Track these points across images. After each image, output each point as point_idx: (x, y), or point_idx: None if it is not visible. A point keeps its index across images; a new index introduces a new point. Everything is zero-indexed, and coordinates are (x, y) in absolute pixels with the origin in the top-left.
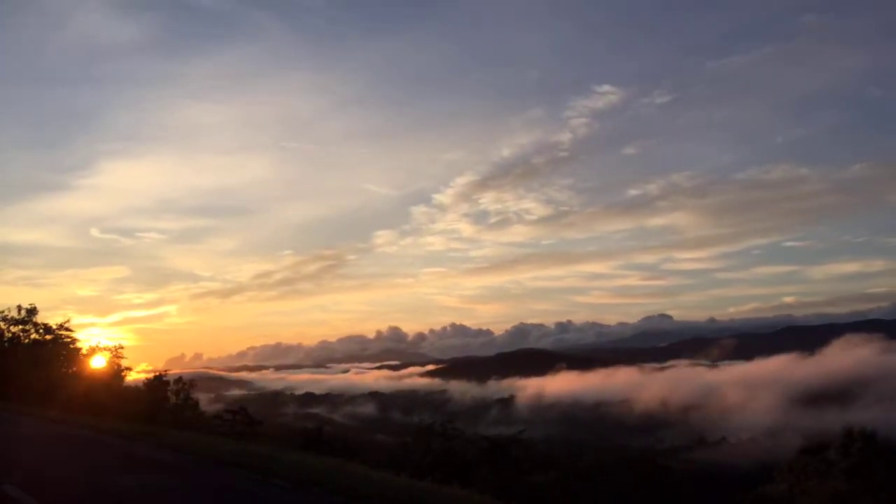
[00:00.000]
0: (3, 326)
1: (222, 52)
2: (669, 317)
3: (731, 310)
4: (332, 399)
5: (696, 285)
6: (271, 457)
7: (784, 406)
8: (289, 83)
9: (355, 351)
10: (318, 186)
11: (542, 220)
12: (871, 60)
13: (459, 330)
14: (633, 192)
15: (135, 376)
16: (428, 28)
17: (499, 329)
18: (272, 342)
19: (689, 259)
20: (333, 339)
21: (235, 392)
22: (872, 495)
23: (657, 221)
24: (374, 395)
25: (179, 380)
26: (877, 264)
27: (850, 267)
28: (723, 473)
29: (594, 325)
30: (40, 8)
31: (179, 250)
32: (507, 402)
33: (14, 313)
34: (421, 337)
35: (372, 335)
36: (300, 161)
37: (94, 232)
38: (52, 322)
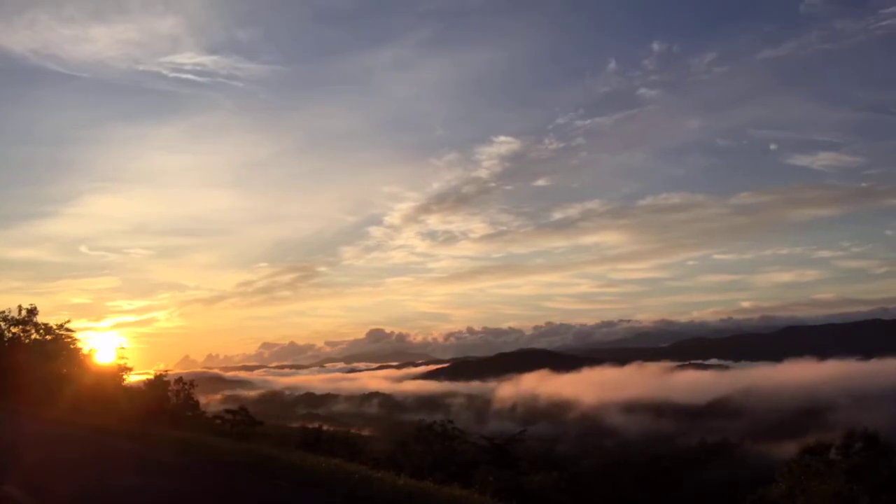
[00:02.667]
0: (4, 326)
1: (181, 120)
2: (671, 318)
3: (695, 313)
4: (332, 399)
5: (652, 291)
6: (271, 457)
7: (785, 405)
8: (240, 141)
9: (357, 351)
10: (281, 213)
11: (486, 238)
12: (705, 122)
13: (487, 330)
14: (557, 215)
15: (146, 376)
16: (348, 99)
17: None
18: (275, 343)
19: (634, 269)
20: (334, 340)
21: (236, 392)
22: (874, 496)
23: (589, 239)
24: (375, 395)
25: (179, 380)
26: (810, 273)
27: (787, 276)
28: (723, 474)
29: (608, 324)
30: (41, 90)
31: (163, 263)
32: (507, 402)
33: (14, 313)
34: (443, 338)
35: (373, 336)
36: (261, 195)
37: (83, 249)
38: (53, 322)
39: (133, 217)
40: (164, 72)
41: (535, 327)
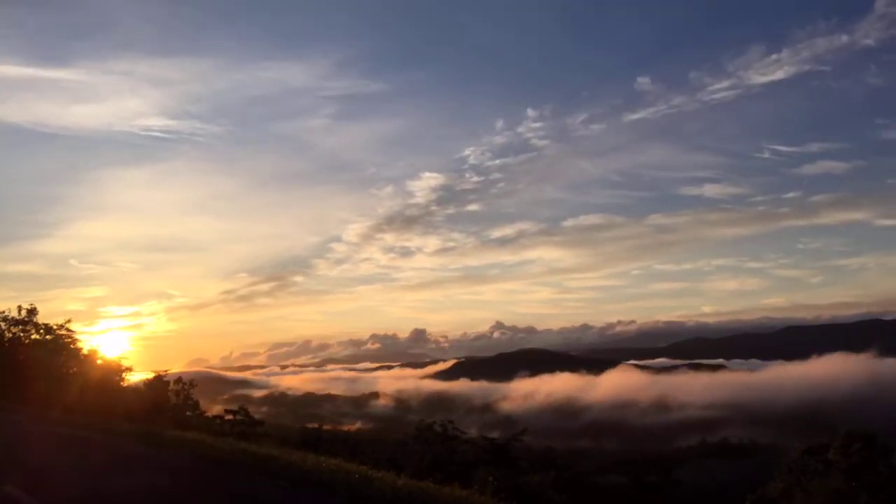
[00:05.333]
0: (4, 327)
1: (154, 164)
2: (672, 319)
3: (662, 316)
4: (333, 399)
5: (614, 297)
6: (271, 457)
7: (785, 405)
8: (206, 180)
9: (356, 351)
10: (251, 234)
11: (439, 252)
12: (597, 164)
13: (516, 328)
14: (496, 233)
15: (146, 377)
16: (290, 151)
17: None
18: (275, 343)
19: (587, 277)
20: (333, 341)
21: (238, 392)
22: (872, 496)
23: (532, 254)
24: (376, 395)
25: (179, 380)
26: (751, 282)
27: (732, 284)
28: (723, 474)
29: (621, 323)
30: (33, 146)
31: (148, 275)
32: (507, 401)
33: (15, 313)
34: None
35: (373, 336)
36: (229, 220)
37: (74, 262)
38: (53, 323)
39: (117, 237)
40: (136, 131)
41: (564, 327)
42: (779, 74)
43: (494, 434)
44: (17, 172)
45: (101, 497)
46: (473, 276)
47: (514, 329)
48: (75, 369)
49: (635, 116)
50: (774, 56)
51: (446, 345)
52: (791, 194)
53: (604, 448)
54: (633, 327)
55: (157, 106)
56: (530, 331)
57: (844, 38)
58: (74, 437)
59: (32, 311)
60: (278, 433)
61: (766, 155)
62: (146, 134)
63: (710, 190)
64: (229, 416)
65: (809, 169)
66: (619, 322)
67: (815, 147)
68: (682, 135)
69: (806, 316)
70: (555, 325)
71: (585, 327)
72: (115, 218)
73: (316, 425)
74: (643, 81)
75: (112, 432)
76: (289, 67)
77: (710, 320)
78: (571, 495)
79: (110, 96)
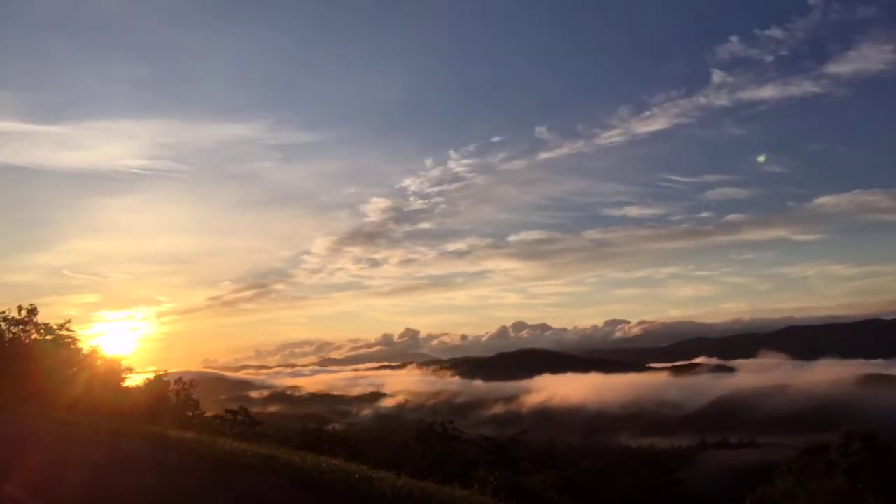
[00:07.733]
0: (5, 327)
1: (136, 194)
2: (672, 319)
3: (636, 319)
4: (333, 399)
5: (583, 302)
6: (271, 457)
7: (785, 405)
8: (182, 206)
9: (359, 352)
10: (229, 248)
11: (404, 262)
12: (523, 192)
13: (521, 328)
14: (451, 247)
15: (146, 377)
16: (248, 185)
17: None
18: (280, 345)
19: (549, 284)
20: (332, 340)
21: (239, 393)
22: (872, 495)
23: (489, 264)
24: (378, 396)
25: (179, 380)
26: (706, 288)
27: (688, 290)
28: (724, 474)
29: (617, 323)
30: (29, 179)
31: (138, 284)
32: (508, 401)
33: (15, 313)
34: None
35: (372, 337)
36: (208, 238)
37: (67, 272)
38: (53, 323)
39: (107, 252)
40: (119, 169)
41: (594, 325)
42: (656, 125)
43: (494, 434)
44: (16, 201)
45: (101, 496)
46: (442, 284)
47: (542, 327)
48: (76, 369)
49: (546, 155)
50: (647, 112)
51: (450, 344)
52: (705, 214)
53: (604, 447)
54: (636, 328)
55: (132, 152)
56: (561, 330)
57: (703, 100)
58: (75, 436)
59: (33, 312)
60: (279, 433)
61: (669, 184)
62: (127, 171)
63: (631, 211)
64: (229, 416)
65: (713, 195)
66: (627, 323)
67: (710, 178)
68: (590, 170)
69: (803, 317)
70: (570, 325)
71: (613, 323)
72: (104, 236)
73: (317, 425)
74: (541, 130)
75: (113, 431)
76: (233, 127)
77: (711, 321)
78: (572, 495)
79: (92, 145)
